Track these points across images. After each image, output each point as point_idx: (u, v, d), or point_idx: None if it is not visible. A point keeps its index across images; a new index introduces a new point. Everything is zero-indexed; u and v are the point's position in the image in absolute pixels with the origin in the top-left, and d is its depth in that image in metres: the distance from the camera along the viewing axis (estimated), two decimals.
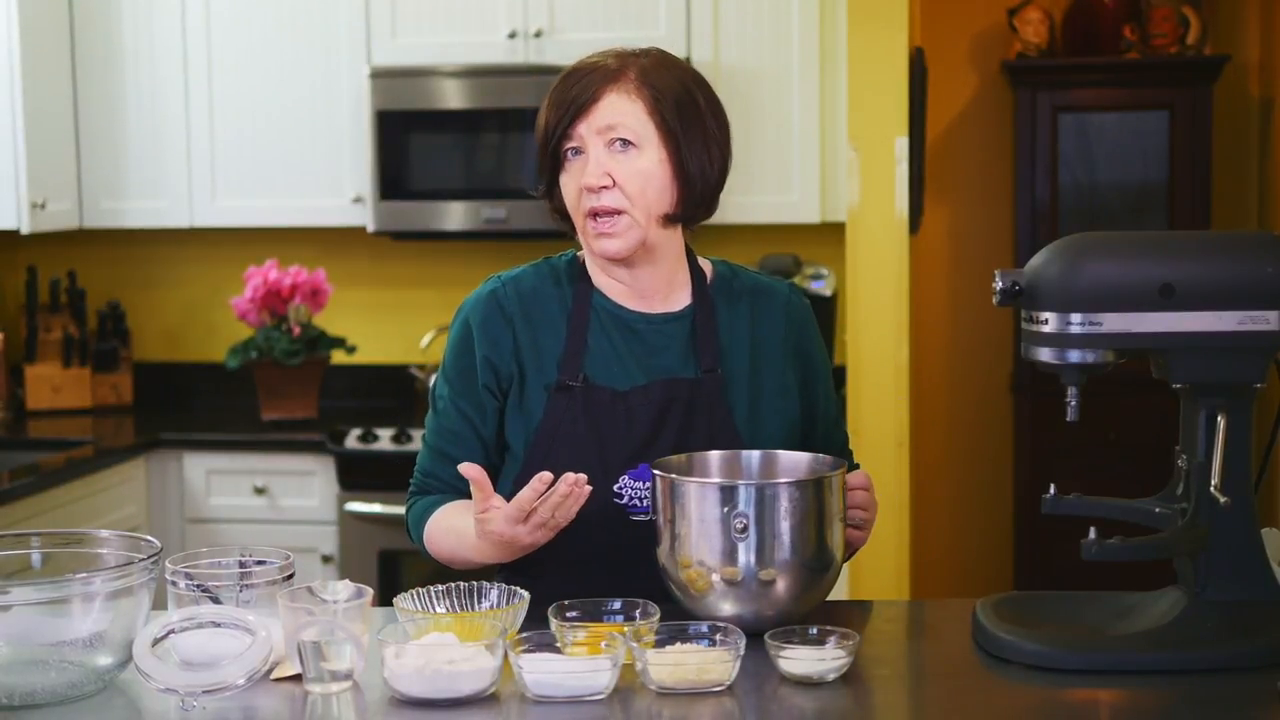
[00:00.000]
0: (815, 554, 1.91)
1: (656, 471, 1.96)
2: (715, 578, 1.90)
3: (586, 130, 2.06)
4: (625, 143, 2.05)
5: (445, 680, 1.72)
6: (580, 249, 2.22)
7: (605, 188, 2.05)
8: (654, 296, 2.16)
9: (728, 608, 1.90)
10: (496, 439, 2.16)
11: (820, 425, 2.22)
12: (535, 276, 2.18)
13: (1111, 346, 1.87)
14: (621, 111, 2.05)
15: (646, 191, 2.07)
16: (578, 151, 2.08)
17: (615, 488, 2.07)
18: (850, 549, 2.07)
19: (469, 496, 2.16)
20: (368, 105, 4.41)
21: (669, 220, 2.11)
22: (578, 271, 2.18)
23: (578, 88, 2.07)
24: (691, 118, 2.09)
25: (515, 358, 2.13)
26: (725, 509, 1.88)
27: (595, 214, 2.06)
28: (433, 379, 2.23)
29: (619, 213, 2.06)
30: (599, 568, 2.04)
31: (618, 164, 2.05)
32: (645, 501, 2.01)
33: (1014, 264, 4.80)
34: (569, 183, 2.09)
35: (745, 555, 1.89)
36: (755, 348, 2.17)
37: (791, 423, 2.16)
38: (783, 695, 1.76)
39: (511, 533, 1.95)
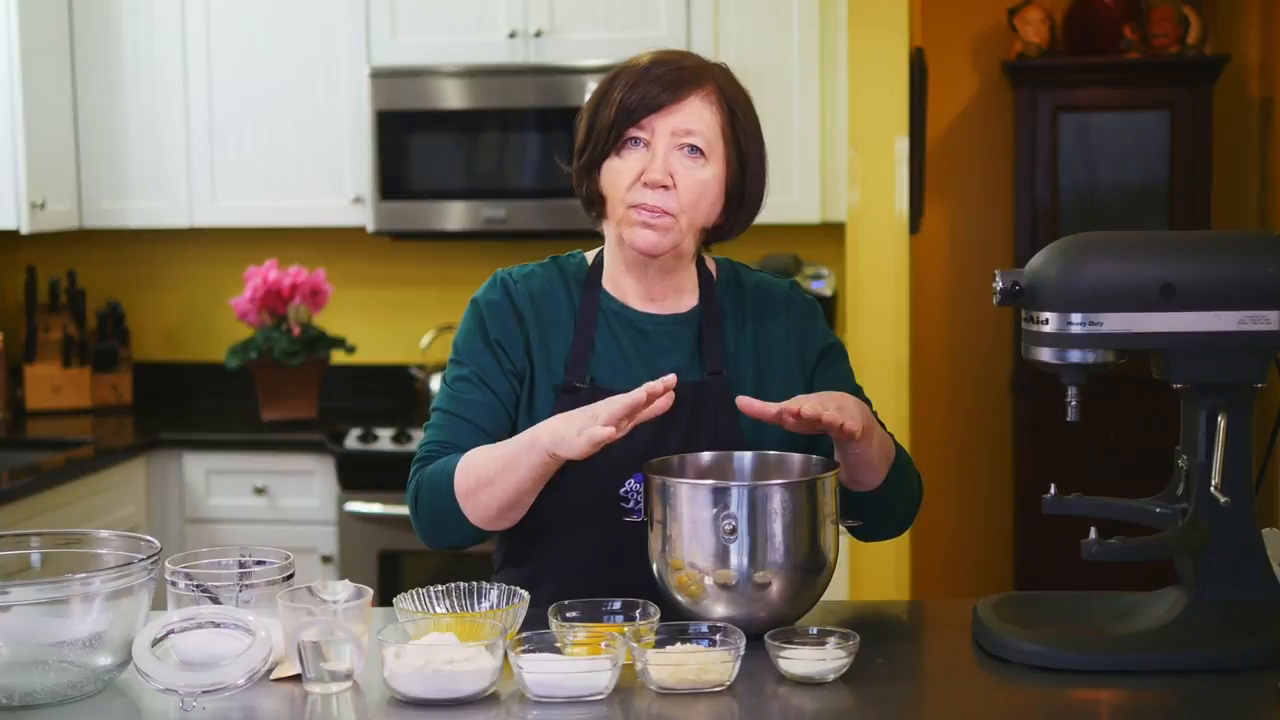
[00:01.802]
0: (808, 555, 1.91)
1: (648, 473, 1.95)
2: (708, 580, 1.89)
3: (662, 126, 2.03)
4: (694, 149, 2.04)
5: (445, 680, 1.72)
6: (588, 249, 2.22)
7: (665, 187, 2.03)
8: (663, 298, 2.15)
9: (721, 610, 1.90)
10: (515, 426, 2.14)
11: None
12: (545, 276, 2.17)
13: (1111, 346, 1.87)
14: (701, 119, 2.04)
15: (701, 202, 2.06)
16: (640, 143, 2.04)
17: (621, 491, 2.06)
18: (870, 471, 2.00)
19: None
20: (368, 105, 4.41)
21: (706, 233, 2.12)
22: (586, 273, 2.18)
23: (661, 83, 2.03)
24: (755, 140, 2.10)
25: (527, 354, 2.13)
26: (716, 510, 1.88)
27: (642, 208, 2.04)
28: (433, 381, 2.20)
29: (667, 214, 2.04)
30: (601, 571, 2.03)
31: (683, 168, 2.03)
32: (642, 508, 1.99)
33: (1014, 264, 4.80)
34: (622, 169, 2.05)
35: (737, 557, 1.88)
36: (760, 348, 2.16)
37: None
38: (783, 695, 1.76)
39: (600, 406, 1.90)
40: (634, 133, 2.04)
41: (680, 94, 2.03)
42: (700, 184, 2.05)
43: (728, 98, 2.07)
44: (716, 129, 2.05)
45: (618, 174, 2.05)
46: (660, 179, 2.02)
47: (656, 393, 1.89)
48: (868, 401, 2.15)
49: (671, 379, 1.90)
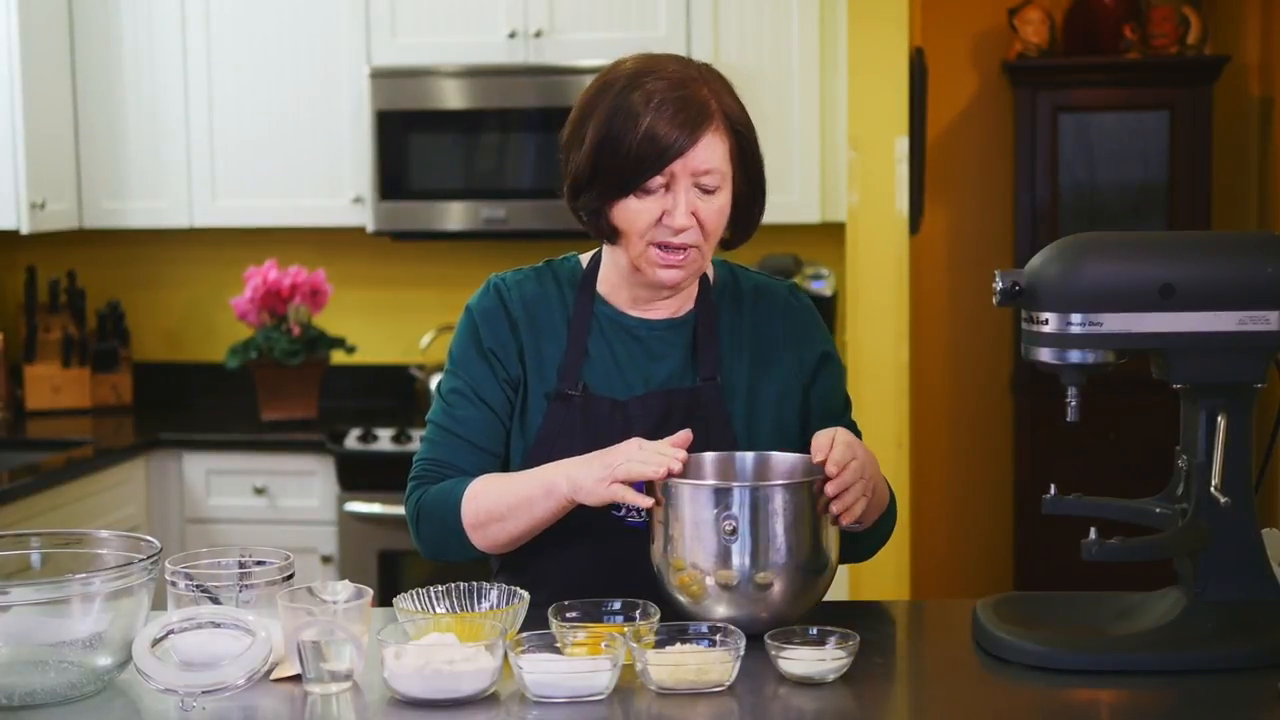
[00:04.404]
0: (810, 556, 1.91)
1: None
2: (709, 581, 1.89)
3: (681, 169, 2.01)
4: (709, 184, 2.04)
5: (445, 680, 1.72)
6: (582, 251, 2.21)
7: (688, 229, 2.03)
8: (659, 304, 2.15)
9: (722, 610, 1.89)
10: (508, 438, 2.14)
11: (817, 420, 2.15)
12: (538, 282, 2.16)
13: (1111, 346, 1.87)
14: (716, 157, 2.02)
15: (718, 230, 2.06)
16: (660, 185, 2.02)
17: None
18: (865, 530, 2.02)
19: None
20: (368, 105, 4.41)
21: (720, 245, 2.12)
22: (580, 276, 2.17)
23: (676, 125, 1.99)
24: (757, 157, 2.09)
25: (520, 361, 2.12)
26: (717, 511, 1.88)
27: (667, 247, 2.03)
28: (433, 381, 2.20)
29: (691, 249, 2.04)
30: (596, 579, 2.01)
31: (702, 204, 2.02)
32: (643, 514, 2.00)
33: (1014, 264, 4.80)
34: (641, 210, 2.02)
35: (739, 558, 1.88)
36: (755, 352, 2.15)
37: (790, 428, 2.15)
38: (783, 695, 1.76)
39: (635, 446, 1.93)
40: (656, 179, 2.01)
41: (697, 135, 2.00)
42: (718, 212, 2.04)
43: (732, 122, 2.05)
44: (727, 158, 2.04)
45: (638, 214, 2.03)
46: (686, 224, 2.02)
47: (676, 471, 1.90)
48: (853, 424, 2.18)
49: (684, 456, 1.93)
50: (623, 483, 1.91)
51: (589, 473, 1.94)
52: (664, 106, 2.00)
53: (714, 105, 2.03)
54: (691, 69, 2.07)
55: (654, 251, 2.04)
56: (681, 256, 2.04)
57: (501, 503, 2.02)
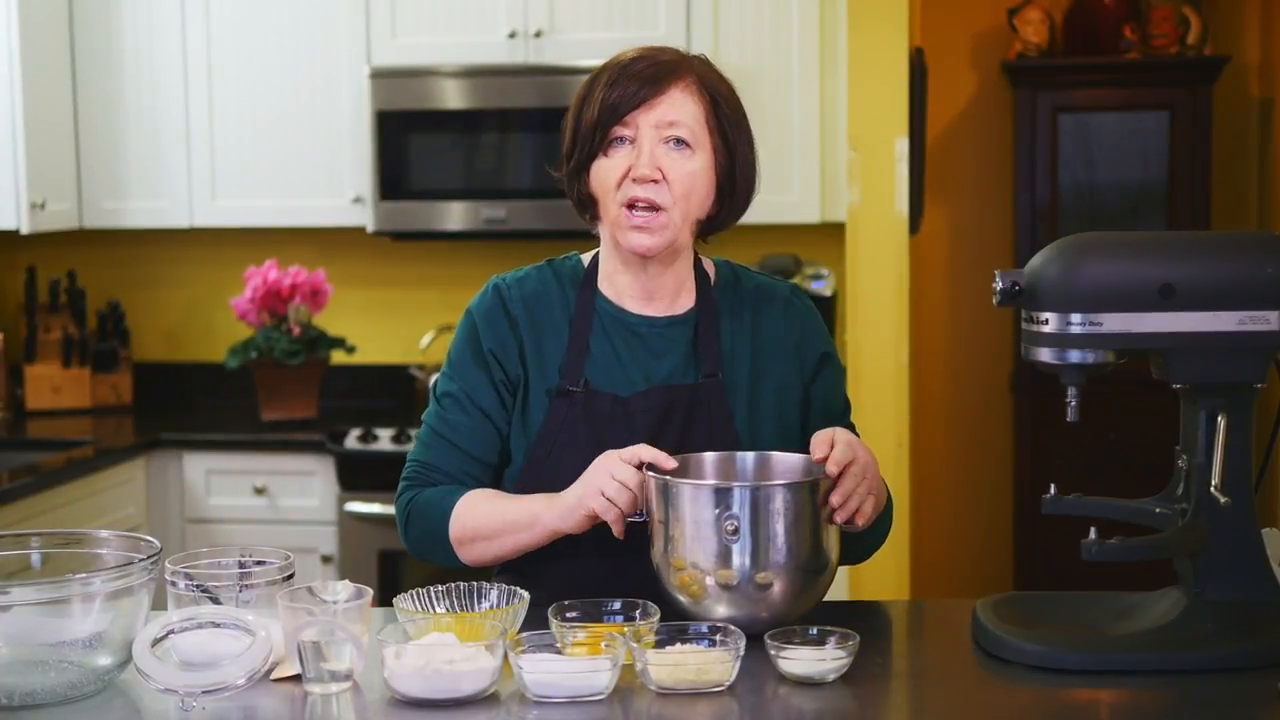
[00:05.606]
0: (810, 556, 1.91)
1: (650, 473, 1.95)
2: (709, 580, 1.89)
3: (645, 121, 2.03)
4: (680, 142, 2.04)
5: (445, 680, 1.72)
6: (583, 251, 2.22)
7: (654, 181, 2.03)
8: (659, 299, 2.15)
9: (722, 610, 1.89)
10: (506, 440, 2.15)
11: (816, 420, 2.16)
12: (539, 279, 2.17)
13: (1111, 346, 1.87)
14: (684, 110, 2.04)
15: (692, 194, 2.06)
16: (626, 140, 2.05)
17: None
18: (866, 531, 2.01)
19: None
20: (368, 105, 4.41)
21: (701, 225, 2.12)
22: (582, 274, 2.17)
23: (641, 79, 2.03)
24: (741, 128, 2.10)
25: (520, 359, 2.13)
26: (718, 511, 1.88)
27: (635, 204, 2.04)
28: (433, 380, 2.20)
29: (660, 210, 2.04)
30: (596, 577, 2.02)
31: (671, 161, 2.04)
32: (643, 512, 1.99)
33: (1014, 264, 4.80)
34: (610, 167, 2.05)
35: (739, 558, 1.88)
36: (757, 351, 2.16)
37: (792, 426, 2.15)
38: (783, 695, 1.76)
39: (629, 451, 1.94)
40: (619, 131, 2.04)
41: (660, 87, 2.04)
42: (690, 175, 2.05)
43: (708, 87, 2.07)
44: (700, 119, 2.05)
45: (606, 172, 2.06)
46: (649, 173, 2.03)
47: (629, 506, 1.94)
48: (851, 425, 2.17)
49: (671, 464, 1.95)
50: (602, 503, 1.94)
51: (564, 505, 1.98)
52: (633, 64, 2.05)
53: (685, 68, 2.07)
54: (676, 51, 2.11)
55: (624, 214, 2.05)
56: (648, 219, 2.04)
57: (488, 525, 2.06)
